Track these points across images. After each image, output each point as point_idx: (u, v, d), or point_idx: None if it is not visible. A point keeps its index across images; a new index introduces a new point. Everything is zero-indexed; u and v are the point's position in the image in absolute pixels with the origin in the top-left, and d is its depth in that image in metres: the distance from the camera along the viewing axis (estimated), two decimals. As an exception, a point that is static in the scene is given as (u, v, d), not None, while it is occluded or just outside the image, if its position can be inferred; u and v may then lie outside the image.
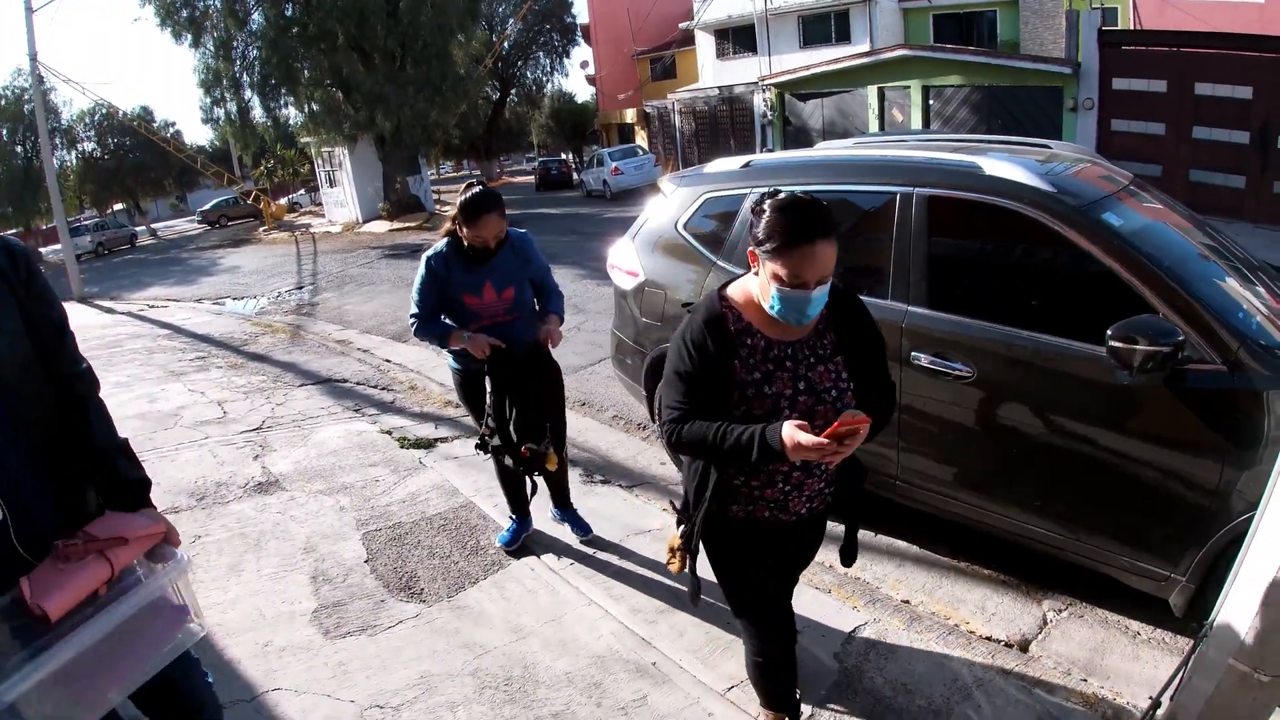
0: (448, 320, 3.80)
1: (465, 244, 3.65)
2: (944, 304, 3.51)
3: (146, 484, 2.00)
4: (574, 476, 4.86)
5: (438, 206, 31.64)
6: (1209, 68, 16.16)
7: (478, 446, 3.91)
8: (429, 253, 3.71)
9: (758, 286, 2.11)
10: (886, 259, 3.67)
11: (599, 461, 5.38)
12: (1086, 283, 3.27)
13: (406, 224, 27.67)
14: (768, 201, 2.01)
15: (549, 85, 48.96)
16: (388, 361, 8.82)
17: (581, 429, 5.98)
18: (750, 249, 2.07)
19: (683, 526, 2.45)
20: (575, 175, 36.30)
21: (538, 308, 3.95)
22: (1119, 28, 20.99)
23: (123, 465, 1.97)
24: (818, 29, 28.05)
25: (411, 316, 3.76)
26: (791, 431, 1.92)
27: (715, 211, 4.48)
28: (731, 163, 4.64)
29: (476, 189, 3.60)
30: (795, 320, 2.06)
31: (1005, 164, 3.43)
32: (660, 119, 35.11)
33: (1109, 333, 2.82)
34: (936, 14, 27.04)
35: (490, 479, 4.98)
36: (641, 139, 36.68)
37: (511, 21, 41.62)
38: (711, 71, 31.72)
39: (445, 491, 4.97)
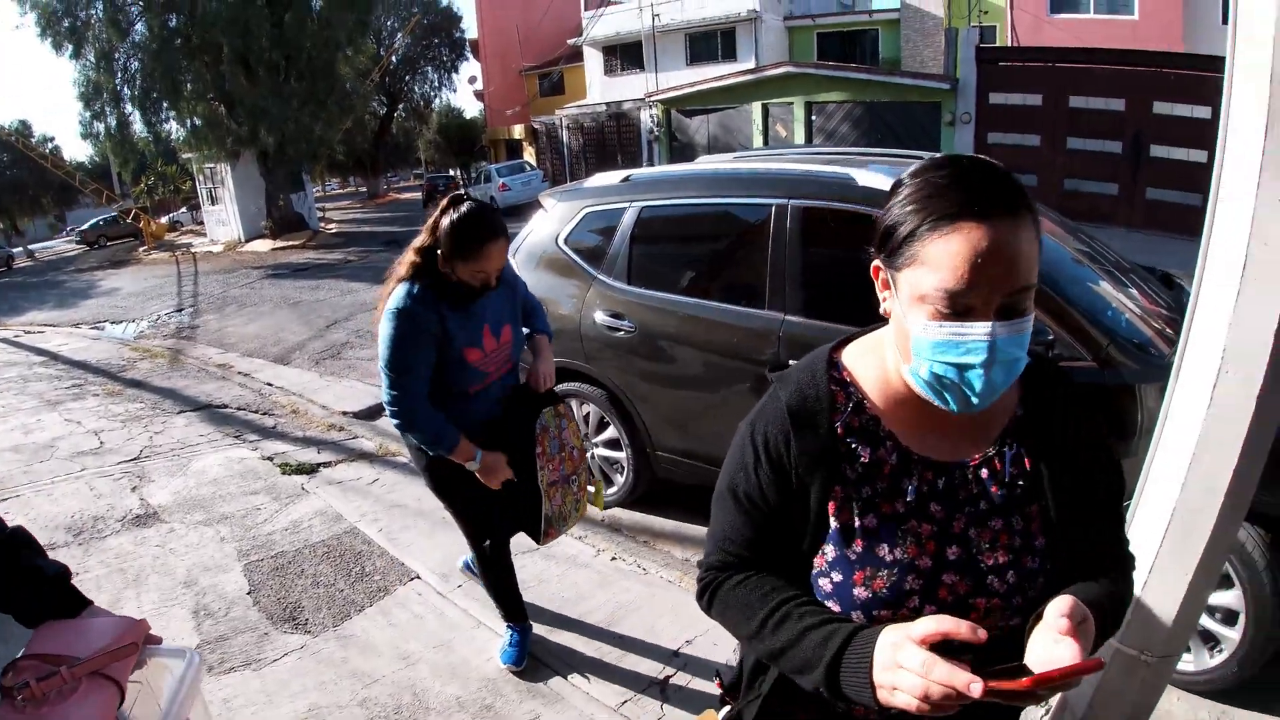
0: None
1: (453, 281, 2.70)
2: (819, 311, 3.60)
3: (68, 574, 1.57)
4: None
5: (322, 225, 30.87)
6: (1083, 82, 17.22)
7: (474, 563, 3.29)
8: (399, 303, 2.64)
9: (894, 342, 1.20)
10: (764, 269, 3.75)
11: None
12: None
13: (290, 243, 26.93)
14: (915, 165, 1.15)
15: (437, 100, 48.53)
16: (270, 385, 8.55)
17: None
18: (874, 264, 1.19)
19: (726, 710, 1.54)
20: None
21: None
22: (997, 45, 22.02)
23: (32, 557, 1.53)
24: (704, 47, 28.54)
25: (393, 399, 2.70)
26: (911, 658, 1.01)
27: (595, 226, 4.50)
28: (611, 177, 4.66)
29: (469, 205, 2.65)
30: (963, 393, 1.11)
31: (878, 175, 3.53)
32: (548, 135, 35.07)
33: None
34: (820, 32, 27.86)
35: (374, 503, 4.88)
36: (529, 155, 36.55)
37: (400, 35, 41.05)
38: (599, 88, 31.91)
39: (328, 518, 4.82)
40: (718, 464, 4.17)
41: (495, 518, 3.10)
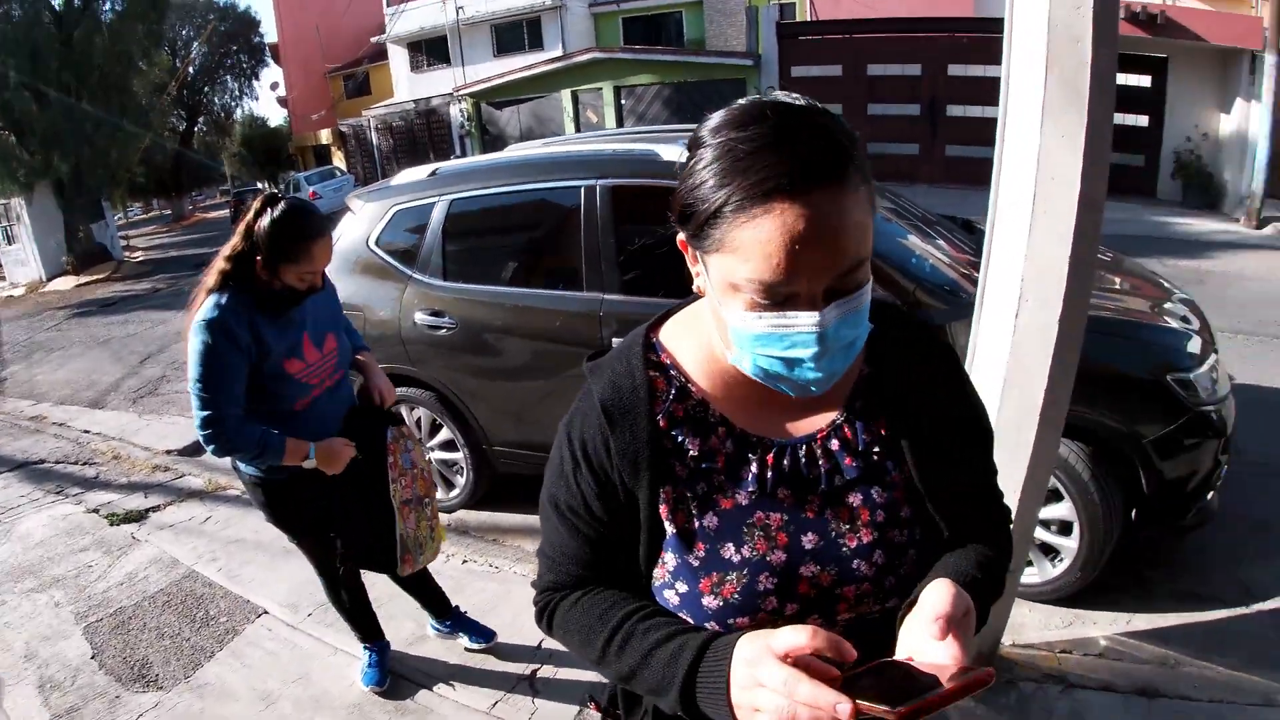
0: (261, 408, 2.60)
1: (273, 287, 2.48)
2: (639, 288, 3.64)
3: None
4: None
5: (127, 254, 28.78)
6: (880, 50, 18.29)
7: (333, 589, 3.04)
8: (208, 314, 2.39)
9: (712, 320, 1.04)
10: (579, 251, 3.75)
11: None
12: None
13: (94, 276, 24.89)
14: (715, 118, 0.95)
15: (239, 110, 46.28)
16: (87, 432, 7.95)
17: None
18: (680, 238, 1.02)
19: None
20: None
21: None
22: (797, 20, 22.72)
23: None
24: (511, 37, 28.33)
25: (205, 420, 2.42)
26: (772, 676, 0.85)
27: (406, 224, 4.36)
28: (418, 172, 4.54)
29: (287, 203, 2.45)
30: (798, 384, 0.98)
31: (681, 149, 3.52)
32: (357, 138, 34.01)
33: None
34: (625, 17, 28.08)
35: (210, 542, 4.60)
36: (339, 160, 35.37)
37: (196, 44, 38.79)
38: (406, 85, 31.17)
39: (164, 565, 4.52)
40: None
41: (348, 540, 2.86)
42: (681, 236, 1.00)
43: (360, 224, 4.49)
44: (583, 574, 1.15)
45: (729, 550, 1.05)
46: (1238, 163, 14.62)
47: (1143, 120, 16.39)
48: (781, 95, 0.94)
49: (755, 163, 0.87)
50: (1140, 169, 16.52)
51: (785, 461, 1.07)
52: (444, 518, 4.41)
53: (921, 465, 1.07)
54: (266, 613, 3.85)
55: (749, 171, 0.87)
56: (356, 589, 3.06)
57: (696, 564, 1.05)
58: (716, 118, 0.94)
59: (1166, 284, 4.27)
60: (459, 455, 4.42)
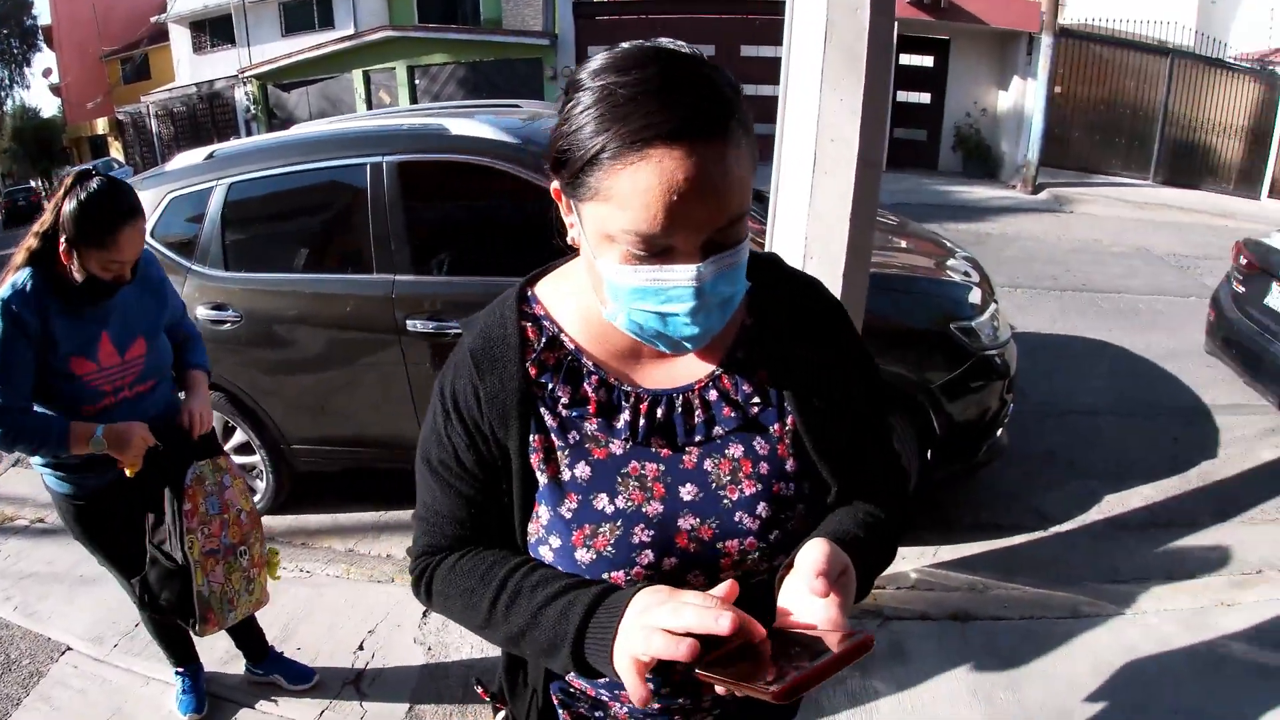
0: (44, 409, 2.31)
1: (78, 276, 2.21)
2: (430, 267, 3.55)
3: None
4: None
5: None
6: (675, 30, 18.14)
7: (144, 605, 2.60)
8: (3, 294, 2.17)
9: (587, 273, 1.00)
10: (367, 231, 3.60)
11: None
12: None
13: None
14: (595, 60, 0.90)
15: (9, 101, 41.89)
16: None
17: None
18: (554, 186, 0.97)
19: (501, 717, 1.30)
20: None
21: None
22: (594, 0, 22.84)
23: None
24: (300, 15, 26.91)
25: None
26: (646, 628, 0.82)
27: (183, 212, 4.03)
28: (194, 155, 4.20)
29: (98, 181, 2.18)
30: (672, 339, 0.95)
31: (471, 122, 3.54)
32: (136, 126, 31.50)
33: None
34: (421, -6, 27.27)
35: (0, 579, 4.09)
36: (116, 150, 32.74)
37: (-40, 30, 34.78)
38: (189, 68, 29.07)
39: (-46, 611, 4.01)
40: (360, 445, 3.89)
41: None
42: (555, 185, 0.95)
43: (134, 214, 4.13)
44: (460, 534, 1.09)
45: (602, 501, 1.01)
46: (1014, 135, 16.10)
47: (925, 98, 17.64)
48: (667, 42, 0.89)
49: (636, 109, 0.82)
50: (923, 143, 17.81)
51: (660, 411, 1.03)
52: None
53: (806, 417, 1.04)
54: (70, 649, 3.49)
55: (629, 118, 0.82)
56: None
57: (569, 516, 1.01)
58: (597, 60, 0.89)
59: (949, 243, 4.53)
60: (256, 458, 4.15)
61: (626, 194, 0.83)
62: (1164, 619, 3.20)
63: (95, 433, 2.24)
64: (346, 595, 3.49)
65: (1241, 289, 5.17)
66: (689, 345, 0.95)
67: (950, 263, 4.06)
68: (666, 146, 0.81)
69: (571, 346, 1.05)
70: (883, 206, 5.37)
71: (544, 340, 1.05)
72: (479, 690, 1.30)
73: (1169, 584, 3.45)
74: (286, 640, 3.24)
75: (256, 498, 4.23)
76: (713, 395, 1.05)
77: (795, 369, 1.06)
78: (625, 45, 0.90)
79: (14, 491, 4.84)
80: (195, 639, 2.81)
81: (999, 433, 3.73)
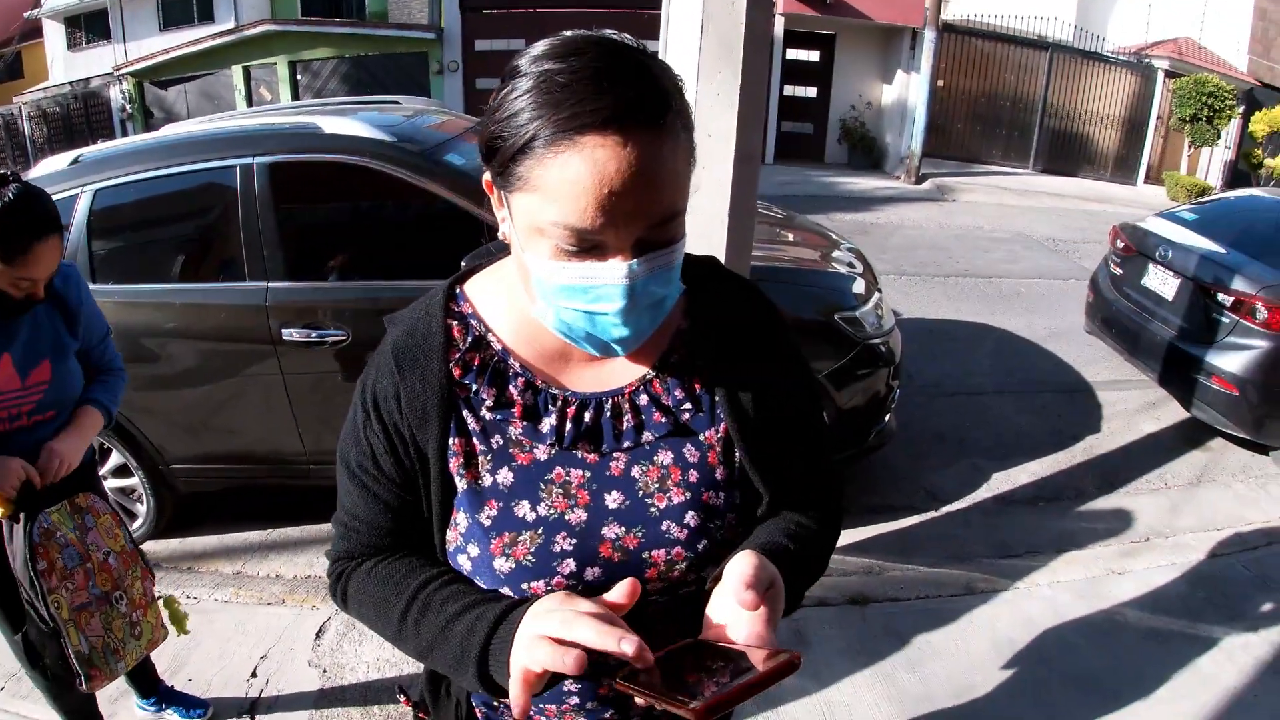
0: None
1: None
2: (307, 273, 3.44)
3: None
4: None
5: None
6: (563, 25, 17.85)
7: (33, 665, 2.36)
8: None
9: (517, 269, 0.96)
10: (238, 238, 3.46)
11: None
12: (440, 222, 3.39)
13: None
14: (536, 47, 0.88)
15: None
16: None
17: None
18: (485, 178, 0.93)
19: None
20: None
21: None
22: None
23: None
24: (178, 9, 25.90)
25: None
26: (533, 637, 0.81)
27: (45, 222, 3.79)
28: (59, 161, 3.99)
29: (13, 188, 1.95)
30: (601, 341, 0.91)
31: (344, 120, 3.44)
32: (7, 128, 29.80)
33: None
34: (303, -12, 26.61)
35: None
36: (-13, 155, 30.97)
37: None
38: (63, 66, 27.67)
39: None
40: (242, 461, 3.74)
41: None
42: (487, 177, 0.91)
43: (-6, 225, 3.89)
44: (378, 540, 1.06)
45: (523, 508, 0.96)
46: (898, 127, 16.59)
47: (812, 92, 18.00)
48: (609, 33, 0.87)
49: (570, 95, 0.79)
50: (810, 136, 18.21)
51: (587, 415, 0.99)
52: None
53: (739, 424, 1.00)
54: None
55: (563, 105, 0.79)
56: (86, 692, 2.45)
57: (488, 523, 0.97)
58: (538, 47, 0.85)
59: (834, 235, 4.62)
60: (134, 480, 3.95)
61: (556, 184, 0.80)
62: (1057, 590, 3.34)
63: None
64: (236, 619, 3.36)
65: (1119, 271, 5.43)
66: (619, 348, 0.92)
67: (835, 254, 4.13)
68: (599, 135, 0.78)
69: (499, 347, 1.01)
70: (770, 199, 5.45)
71: (470, 340, 1.01)
72: (401, 699, 1.25)
73: (1060, 556, 3.61)
74: (176, 672, 3.09)
75: (137, 523, 4.04)
76: (643, 400, 1.01)
77: (729, 375, 1.02)
78: (567, 33, 0.87)
79: None
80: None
81: (887, 418, 3.82)
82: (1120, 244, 5.47)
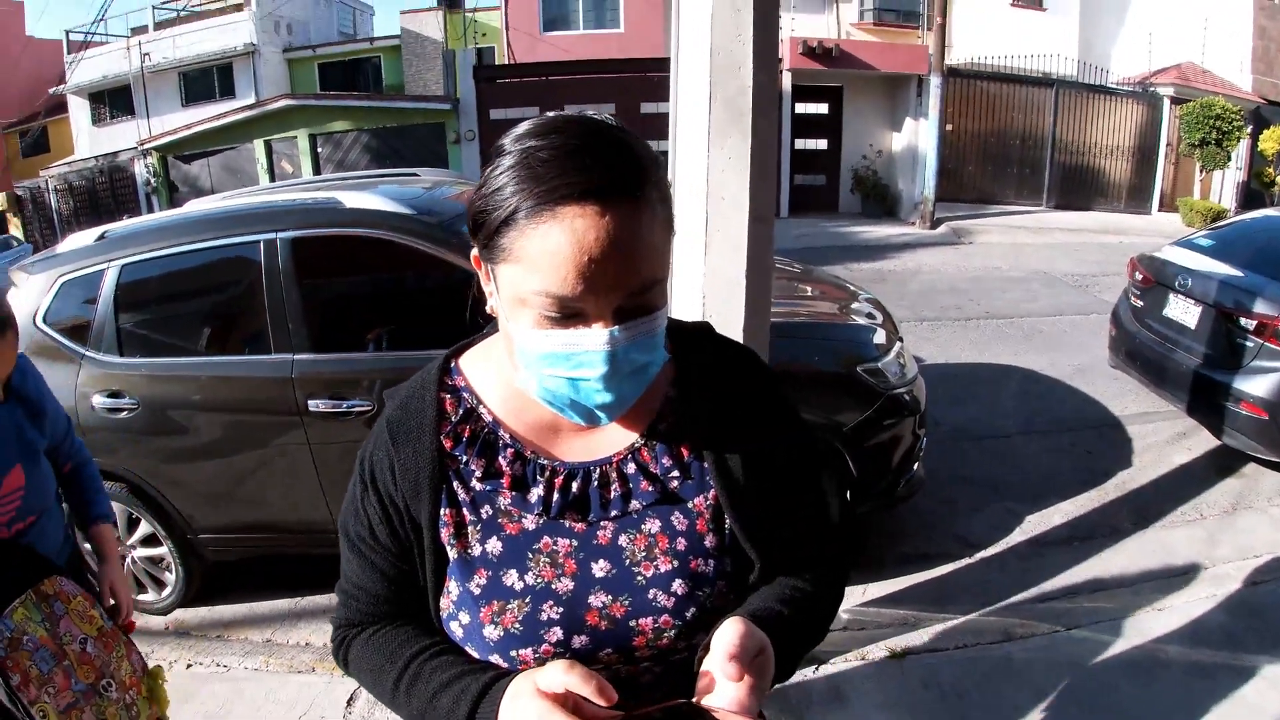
0: None
1: None
2: (330, 344, 3.48)
3: None
4: None
5: None
6: (576, 91, 18.80)
7: None
8: None
9: (503, 340, 0.99)
10: (263, 311, 3.51)
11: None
12: (460, 291, 3.38)
13: None
14: (520, 127, 0.92)
15: (-96, 176, 39.97)
16: None
17: None
18: (474, 253, 0.96)
19: None
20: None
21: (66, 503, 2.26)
22: (496, 64, 23.04)
23: None
24: (201, 85, 26.61)
25: None
26: (529, 711, 0.84)
27: (76, 296, 3.88)
28: (86, 236, 4.07)
29: None
30: (585, 408, 0.93)
31: (365, 195, 3.50)
32: (34, 200, 30.40)
33: None
34: (321, 63, 27.18)
35: None
36: (15, 227, 31.52)
37: None
38: (89, 140, 28.37)
39: None
40: (269, 531, 3.76)
41: None
42: (475, 252, 0.94)
43: (26, 300, 3.94)
44: (377, 609, 1.09)
45: (511, 577, 0.98)
46: (910, 174, 16.70)
47: (823, 143, 18.19)
48: (590, 111, 0.91)
49: (550, 170, 0.83)
50: (823, 187, 18.39)
51: (575, 485, 1.01)
52: (159, 620, 4.03)
53: (729, 492, 1.01)
54: None
55: (543, 179, 0.83)
56: None
57: (478, 592, 0.99)
58: (522, 126, 0.90)
59: (852, 286, 4.63)
60: (163, 550, 3.97)
61: (538, 254, 0.83)
62: (1097, 631, 3.26)
63: None
64: (268, 688, 3.35)
65: (1140, 302, 5.40)
66: (603, 415, 0.93)
67: (854, 305, 4.14)
68: (578, 205, 0.82)
69: (489, 419, 1.04)
70: (786, 253, 5.49)
71: (461, 412, 1.04)
72: None
73: (1098, 595, 3.53)
74: (206, 741, 3.09)
75: (166, 591, 4.06)
76: (631, 468, 1.02)
77: (719, 441, 1.03)
78: (549, 114, 0.91)
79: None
80: None
81: (915, 466, 3.79)
82: (1139, 275, 5.44)
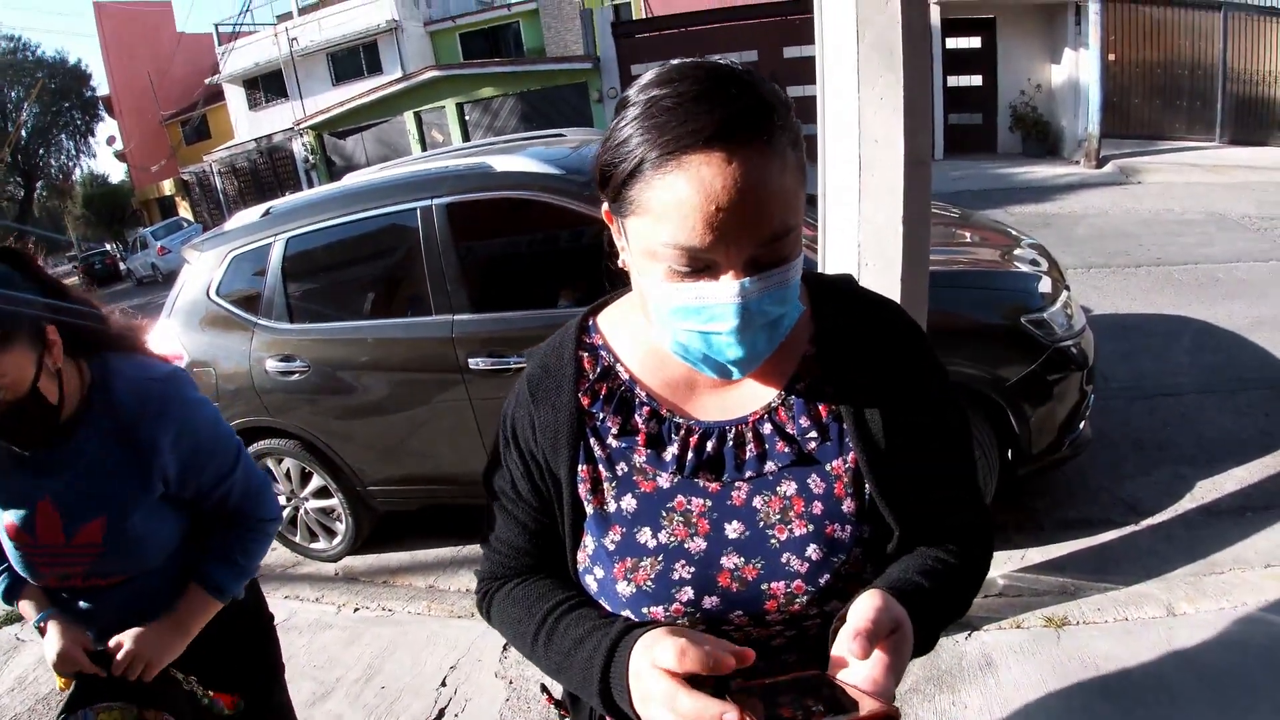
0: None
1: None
2: (488, 304, 3.58)
3: None
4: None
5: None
6: (715, 40, 18.61)
7: None
8: None
9: (636, 295, 0.98)
10: (422, 275, 3.65)
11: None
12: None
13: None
14: (644, 76, 0.89)
15: (77, 170, 43.81)
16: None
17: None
18: (604, 208, 0.95)
19: None
20: (122, 264, 32.42)
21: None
22: (633, 19, 22.93)
23: None
24: (348, 64, 27.66)
25: None
26: (655, 687, 0.80)
27: (245, 269, 4.14)
28: (252, 214, 4.34)
29: None
30: (717, 362, 0.91)
31: (514, 158, 3.60)
32: (201, 184, 32.49)
33: None
34: (462, 32, 27.78)
35: None
36: (185, 210, 33.82)
37: (26, 105, 36.29)
38: (246, 124, 30.05)
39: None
40: (434, 483, 3.91)
41: None
42: (605, 207, 0.93)
43: (200, 274, 4.24)
44: (519, 561, 1.10)
45: (645, 535, 0.98)
46: (1072, 109, 15.68)
47: (978, 80, 17.30)
48: (732, 59, 0.88)
49: (675, 117, 0.81)
50: (980, 126, 17.49)
51: (710, 444, 0.99)
52: (330, 567, 4.31)
53: (869, 455, 0.96)
54: None
55: (667, 127, 0.81)
56: None
57: (612, 548, 0.99)
58: (646, 76, 0.88)
59: (1014, 231, 4.41)
60: (334, 501, 4.23)
61: (665, 205, 0.82)
62: (1269, 610, 3.02)
63: (37, 617, 1.64)
64: (429, 632, 3.52)
65: (1328, 249, 4.91)
66: (735, 370, 0.91)
67: (1017, 252, 3.93)
68: (704, 153, 0.80)
69: (626, 377, 1.03)
70: (943, 196, 5.26)
71: (599, 370, 1.04)
72: (544, 697, 1.28)
73: (1270, 571, 3.27)
74: (370, 679, 3.29)
75: (336, 540, 4.33)
76: (767, 428, 0.99)
77: (860, 401, 0.98)
78: (674, 61, 0.88)
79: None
80: None
81: (1081, 425, 3.59)
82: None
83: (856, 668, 0.79)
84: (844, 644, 0.80)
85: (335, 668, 3.41)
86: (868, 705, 0.74)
